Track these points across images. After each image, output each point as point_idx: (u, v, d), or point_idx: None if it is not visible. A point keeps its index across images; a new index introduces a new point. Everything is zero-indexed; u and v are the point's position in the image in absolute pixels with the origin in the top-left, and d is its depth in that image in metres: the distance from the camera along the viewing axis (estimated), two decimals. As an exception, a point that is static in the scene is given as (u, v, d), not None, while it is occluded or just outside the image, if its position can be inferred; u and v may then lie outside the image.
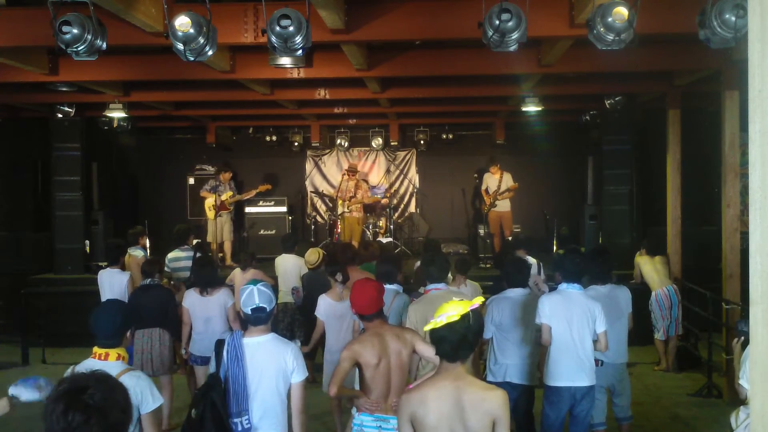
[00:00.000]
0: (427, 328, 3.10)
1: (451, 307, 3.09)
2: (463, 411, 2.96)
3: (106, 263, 7.63)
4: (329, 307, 6.02)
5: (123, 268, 7.75)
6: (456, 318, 3.03)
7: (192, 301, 6.24)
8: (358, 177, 12.46)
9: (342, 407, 5.95)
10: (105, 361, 3.44)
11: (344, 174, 12.26)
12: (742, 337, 4.52)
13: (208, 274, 6.29)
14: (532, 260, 7.43)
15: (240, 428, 3.73)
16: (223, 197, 11.37)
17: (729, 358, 4.59)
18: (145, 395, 3.39)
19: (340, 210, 11.81)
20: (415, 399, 3.02)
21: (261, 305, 3.79)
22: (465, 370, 3.10)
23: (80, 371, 2.15)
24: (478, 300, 3.16)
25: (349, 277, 6.16)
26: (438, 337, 3.04)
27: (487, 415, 2.97)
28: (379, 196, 12.99)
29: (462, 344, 3.04)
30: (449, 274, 5.91)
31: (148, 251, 11.53)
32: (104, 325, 3.52)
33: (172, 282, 7.90)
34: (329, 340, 6.03)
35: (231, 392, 3.75)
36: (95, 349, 3.51)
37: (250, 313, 3.82)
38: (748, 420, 4.18)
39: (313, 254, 7.70)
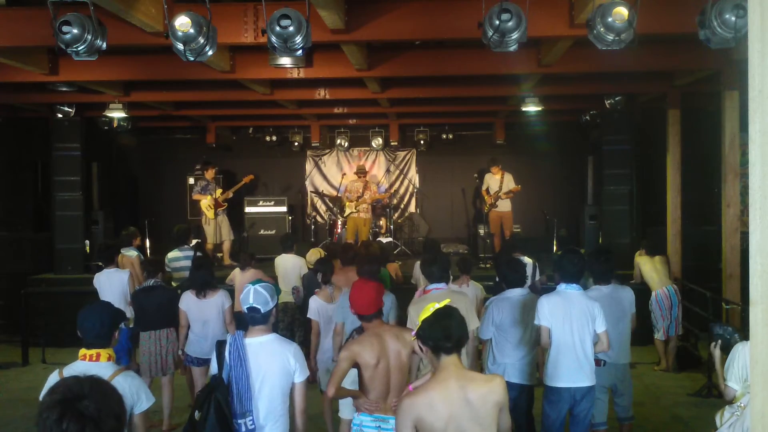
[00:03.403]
0: (423, 316, 3.10)
1: (433, 305, 3.15)
2: (472, 408, 2.96)
3: (101, 264, 7.62)
4: (320, 308, 6.04)
5: (119, 266, 7.73)
6: (448, 305, 3.11)
7: (188, 303, 6.23)
8: (368, 178, 12.47)
9: (333, 408, 5.94)
10: (96, 362, 3.42)
11: (344, 175, 12.25)
12: (719, 341, 4.52)
13: (204, 276, 6.27)
14: (528, 260, 7.43)
15: (244, 429, 3.73)
16: (216, 195, 11.35)
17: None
18: (140, 395, 3.40)
19: (348, 211, 11.79)
20: (421, 403, 2.96)
21: (254, 306, 3.78)
22: (461, 361, 3.10)
23: (72, 375, 2.13)
24: (447, 300, 3.23)
25: (331, 278, 6.25)
26: (435, 330, 3.03)
27: (495, 407, 3.01)
28: (386, 194, 13.00)
29: (461, 332, 3.06)
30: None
31: (147, 252, 11.62)
32: (93, 326, 3.50)
33: (172, 283, 7.92)
34: (321, 340, 6.04)
35: (234, 393, 3.75)
36: (83, 351, 3.48)
37: (246, 311, 3.83)
38: (732, 419, 4.18)
39: (315, 254, 7.73)
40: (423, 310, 3.19)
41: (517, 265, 5.58)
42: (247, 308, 3.80)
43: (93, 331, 3.49)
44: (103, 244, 8.02)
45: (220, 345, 3.87)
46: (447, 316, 3.07)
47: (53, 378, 3.31)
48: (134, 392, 3.37)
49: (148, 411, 3.49)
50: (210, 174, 11.56)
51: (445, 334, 3.01)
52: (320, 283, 6.36)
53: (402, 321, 5.48)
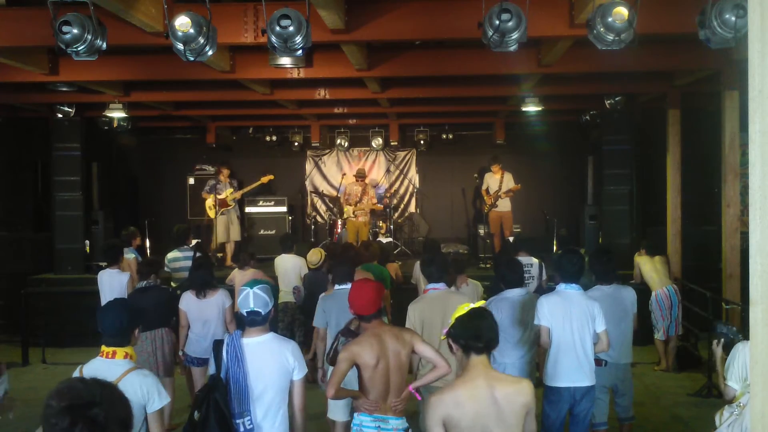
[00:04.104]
0: (457, 315, 3.12)
1: (467, 305, 3.17)
2: (498, 407, 2.97)
3: (105, 264, 7.61)
4: None
5: (122, 268, 7.74)
6: (482, 306, 3.13)
7: (188, 303, 6.21)
8: (367, 182, 12.45)
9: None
10: (112, 359, 3.43)
11: (344, 174, 12.26)
12: (722, 339, 4.51)
13: (204, 276, 6.26)
14: (534, 260, 7.44)
15: (242, 429, 3.72)
16: (222, 195, 11.38)
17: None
18: (152, 394, 3.38)
19: (346, 214, 11.83)
20: (449, 401, 2.98)
21: (255, 309, 3.78)
22: (490, 363, 3.11)
23: (80, 378, 2.13)
24: (482, 302, 3.22)
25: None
26: (467, 329, 3.06)
27: (522, 408, 3.01)
28: (381, 206, 12.93)
29: (492, 333, 3.08)
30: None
31: (147, 252, 11.63)
32: (111, 323, 3.51)
33: (172, 283, 7.91)
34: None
35: (232, 393, 3.74)
36: (102, 347, 3.50)
37: (245, 315, 3.82)
38: (731, 418, 4.17)
39: (315, 254, 7.72)
40: (457, 308, 3.22)
41: (516, 266, 5.58)
42: (247, 312, 3.79)
43: (111, 329, 3.51)
44: (108, 244, 8.02)
45: (217, 344, 3.87)
46: (479, 317, 3.11)
47: (75, 375, 3.32)
48: (145, 391, 3.36)
49: (164, 409, 3.47)
50: (224, 175, 11.58)
51: (476, 335, 3.06)
52: (331, 283, 6.29)
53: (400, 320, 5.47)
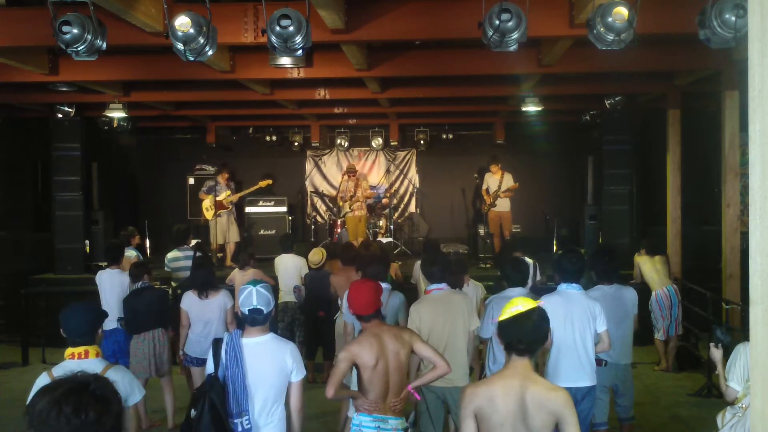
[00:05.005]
0: (507, 310, 3.11)
1: (520, 302, 3.15)
2: (527, 410, 2.97)
3: (105, 263, 7.61)
4: None
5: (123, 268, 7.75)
6: (531, 308, 3.09)
7: (190, 303, 6.20)
8: (358, 176, 12.46)
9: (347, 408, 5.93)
10: (85, 359, 3.49)
11: (344, 175, 12.29)
12: (719, 343, 4.51)
13: (205, 276, 6.26)
14: (528, 261, 7.44)
15: (240, 428, 3.72)
16: (220, 197, 11.35)
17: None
18: (132, 388, 3.51)
19: (344, 211, 11.86)
20: (483, 394, 3.02)
21: (258, 307, 3.78)
22: (531, 366, 3.10)
23: (65, 374, 2.13)
24: (534, 303, 3.19)
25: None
26: (511, 330, 3.06)
27: (550, 415, 2.98)
28: (374, 192, 12.94)
29: (536, 336, 3.07)
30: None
31: (147, 251, 11.63)
32: (78, 324, 3.59)
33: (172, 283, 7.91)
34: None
35: (230, 392, 3.74)
36: (70, 350, 3.56)
37: (246, 313, 3.82)
38: (734, 420, 4.17)
39: (317, 254, 7.74)
40: (508, 302, 3.19)
41: (521, 265, 5.58)
42: (250, 309, 3.79)
43: (78, 330, 3.58)
44: (111, 244, 8.02)
45: (216, 343, 3.87)
46: (525, 319, 3.09)
47: (42, 379, 3.32)
48: (126, 385, 3.46)
49: (140, 404, 3.56)
50: (222, 177, 11.55)
51: (518, 337, 3.06)
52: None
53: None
